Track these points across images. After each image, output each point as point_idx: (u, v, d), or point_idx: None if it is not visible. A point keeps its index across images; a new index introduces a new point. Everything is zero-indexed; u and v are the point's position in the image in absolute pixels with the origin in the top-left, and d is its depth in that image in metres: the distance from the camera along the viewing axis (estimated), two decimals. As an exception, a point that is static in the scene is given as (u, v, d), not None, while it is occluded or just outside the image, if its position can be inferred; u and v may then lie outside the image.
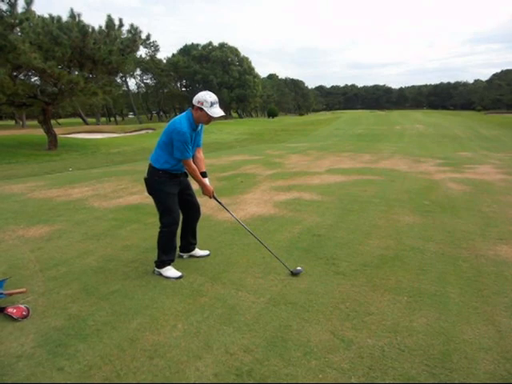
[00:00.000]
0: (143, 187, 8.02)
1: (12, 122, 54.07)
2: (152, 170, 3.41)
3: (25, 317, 2.75)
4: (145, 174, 3.49)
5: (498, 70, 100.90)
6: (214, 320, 2.71)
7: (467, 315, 2.75)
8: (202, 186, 3.51)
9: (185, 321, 2.70)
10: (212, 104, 3.21)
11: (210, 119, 3.29)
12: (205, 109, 3.21)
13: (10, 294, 3.00)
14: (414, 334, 2.51)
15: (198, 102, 3.22)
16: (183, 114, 3.35)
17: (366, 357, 2.29)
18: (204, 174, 3.53)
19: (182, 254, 3.89)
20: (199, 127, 3.44)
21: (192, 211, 3.72)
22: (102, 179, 8.88)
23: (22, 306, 2.82)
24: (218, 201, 3.67)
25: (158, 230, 3.48)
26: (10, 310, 2.78)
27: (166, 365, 2.23)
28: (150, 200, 6.34)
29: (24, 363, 2.27)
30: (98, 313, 2.82)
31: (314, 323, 2.66)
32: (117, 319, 2.73)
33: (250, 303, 2.95)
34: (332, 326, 2.63)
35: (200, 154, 3.61)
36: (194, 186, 3.66)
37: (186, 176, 3.60)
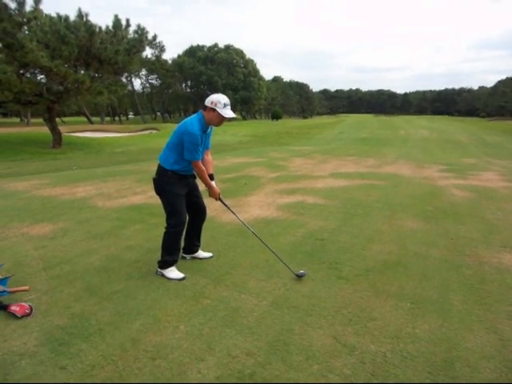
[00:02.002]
0: (147, 187, 8.03)
1: (17, 120, 54.31)
2: (161, 171, 3.43)
3: (27, 315, 2.76)
4: (153, 175, 3.50)
5: (503, 77, 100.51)
6: (216, 322, 2.71)
7: (470, 323, 2.74)
8: (209, 187, 3.53)
9: (187, 322, 2.71)
10: (225, 105, 3.26)
11: (221, 120, 3.32)
12: (218, 109, 3.24)
13: (13, 292, 3.01)
14: (417, 341, 2.50)
15: (212, 102, 3.25)
16: (194, 115, 3.37)
17: (368, 363, 2.29)
18: (211, 177, 3.55)
19: (184, 255, 3.89)
20: (209, 129, 3.45)
21: (198, 213, 3.73)
22: (105, 178, 8.91)
23: (25, 304, 2.82)
24: (223, 203, 3.67)
25: (164, 230, 3.49)
26: (13, 307, 2.79)
27: (168, 366, 2.24)
28: (153, 200, 6.38)
29: (27, 361, 2.27)
30: (100, 312, 2.83)
31: (316, 327, 2.66)
32: (119, 319, 2.74)
33: (252, 306, 2.95)
34: (334, 330, 2.63)
35: (208, 156, 3.62)
36: (201, 186, 3.67)
37: (194, 177, 3.60)
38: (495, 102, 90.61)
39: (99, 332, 2.57)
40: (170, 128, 33.70)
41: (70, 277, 3.45)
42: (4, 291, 2.97)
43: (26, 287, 3.09)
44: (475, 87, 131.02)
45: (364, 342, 2.49)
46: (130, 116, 79.99)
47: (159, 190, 3.47)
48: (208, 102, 3.27)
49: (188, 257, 3.89)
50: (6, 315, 2.76)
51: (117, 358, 2.31)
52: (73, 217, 5.49)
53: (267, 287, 3.27)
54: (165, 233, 3.49)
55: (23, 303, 2.84)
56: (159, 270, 3.51)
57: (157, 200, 5.93)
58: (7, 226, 5.01)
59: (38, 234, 4.70)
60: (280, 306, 2.95)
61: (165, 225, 3.49)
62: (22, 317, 2.73)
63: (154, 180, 3.48)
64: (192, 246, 3.87)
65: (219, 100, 3.24)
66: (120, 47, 17.63)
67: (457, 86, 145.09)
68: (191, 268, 3.66)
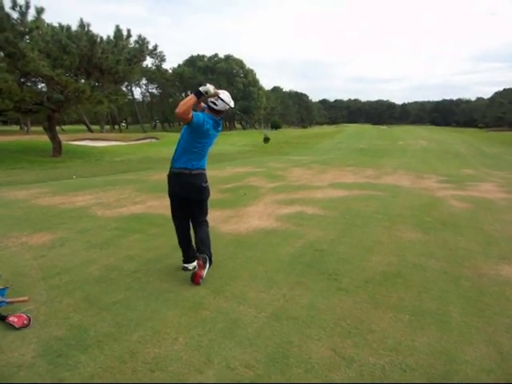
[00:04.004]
0: (147, 197, 8.01)
1: (17, 128, 54.41)
2: (203, 176, 3.66)
3: (26, 326, 2.75)
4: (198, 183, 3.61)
5: (501, 89, 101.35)
6: (215, 334, 2.71)
7: (469, 335, 2.74)
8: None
9: (186, 334, 2.70)
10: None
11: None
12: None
13: (12, 303, 3.00)
14: (416, 354, 2.50)
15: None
16: None
17: (367, 375, 2.29)
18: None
19: (187, 265, 3.84)
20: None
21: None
22: (105, 187, 8.92)
23: (24, 315, 2.82)
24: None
25: (204, 226, 3.81)
26: (11, 318, 2.78)
27: (166, 378, 2.23)
28: (152, 210, 6.40)
29: (24, 373, 2.26)
30: (99, 323, 2.82)
31: (315, 340, 2.66)
32: (118, 330, 2.73)
33: (251, 317, 2.95)
34: (333, 343, 2.62)
35: None
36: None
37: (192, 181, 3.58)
38: (493, 112, 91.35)
39: (98, 343, 2.57)
40: (170, 137, 33.80)
41: (69, 287, 3.44)
42: (2, 302, 2.96)
43: (25, 298, 3.08)
44: (473, 98, 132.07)
45: (363, 355, 2.48)
46: (123, 124, 78.46)
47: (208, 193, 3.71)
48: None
49: (190, 266, 3.82)
50: (5, 326, 2.75)
51: (115, 370, 2.30)
52: (72, 226, 5.49)
53: (266, 298, 3.27)
54: (207, 227, 3.79)
55: (22, 314, 2.83)
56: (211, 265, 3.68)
57: (156, 210, 5.93)
58: (6, 236, 5.00)
59: (38, 244, 4.69)
60: (279, 318, 2.94)
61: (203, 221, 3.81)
62: (21, 328, 2.72)
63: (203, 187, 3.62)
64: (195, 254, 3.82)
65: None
66: (121, 57, 17.76)
67: (454, 97, 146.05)
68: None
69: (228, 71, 69.47)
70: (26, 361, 2.38)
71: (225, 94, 3.55)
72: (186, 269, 3.81)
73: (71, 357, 2.42)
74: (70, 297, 3.25)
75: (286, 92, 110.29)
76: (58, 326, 2.78)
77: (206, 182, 3.65)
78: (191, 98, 3.32)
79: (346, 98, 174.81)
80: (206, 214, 3.81)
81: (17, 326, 2.72)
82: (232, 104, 3.59)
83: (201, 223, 3.76)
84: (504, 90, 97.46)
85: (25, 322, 2.76)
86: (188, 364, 2.36)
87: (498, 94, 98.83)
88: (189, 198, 3.64)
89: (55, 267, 3.91)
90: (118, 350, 2.50)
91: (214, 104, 3.53)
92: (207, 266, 3.56)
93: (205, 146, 3.58)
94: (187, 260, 3.85)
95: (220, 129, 3.69)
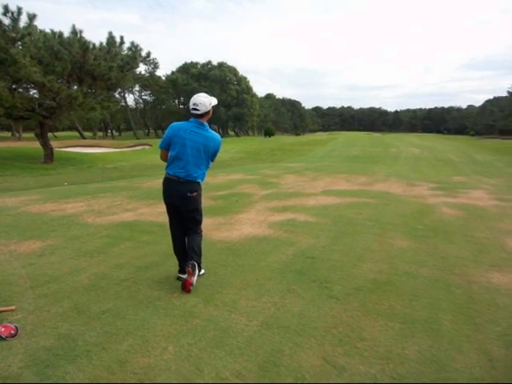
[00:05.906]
0: (138, 204, 7.94)
1: (8, 134, 53.98)
2: (196, 185, 3.66)
3: (13, 336, 2.70)
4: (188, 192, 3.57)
5: (491, 97, 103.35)
6: (205, 343, 2.68)
7: (459, 343, 2.75)
8: None
9: (176, 343, 2.67)
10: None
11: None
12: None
13: (-1, 312, 2.96)
14: (406, 362, 2.50)
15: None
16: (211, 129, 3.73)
17: (358, 384, 2.27)
18: None
19: (183, 276, 3.69)
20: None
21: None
22: (97, 195, 8.85)
23: (11, 325, 2.77)
24: None
25: (197, 235, 3.81)
26: (-2, 328, 2.73)
27: (155, 389, 2.20)
28: (144, 217, 6.35)
29: (10, 384, 2.22)
30: (88, 333, 2.78)
31: (306, 348, 2.64)
32: (107, 340, 2.69)
33: (242, 326, 2.93)
34: (324, 351, 2.61)
35: None
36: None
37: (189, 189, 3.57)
38: (484, 120, 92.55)
39: (86, 353, 2.53)
40: (163, 144, 33.65)
41: (58, 296, 3.40)
42: (-11, 311, 2.92)
43: (13, 307, 3.03)
44: (464, 106, 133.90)
45: (354, 363, 2.47)
46: (113, 131, 77.46)
47: (196, 204, 3.65)
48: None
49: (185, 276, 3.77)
50: (-9, 336, 2.70)
51: (104, 380, 2.26)
52: (62, 234, 5.44)
53: (257, 306, 3.26)
54: (199, 237, 3.78)
55: (9, 323, 2.79)
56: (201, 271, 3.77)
57: (148, 217, 5.92)
58: (-5, 243, 4.93)
59: (27, 252, 4.63)
60: (270, 326, 2.93)
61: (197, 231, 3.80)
62: (7, 338, 2.67)
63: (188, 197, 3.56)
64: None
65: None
66: (114, 64, 17.75)
67: (446, 105, 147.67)
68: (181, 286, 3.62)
69: (221, 78, 69.69)
70: (12, 372, 2.33)
71: (198, 95, 3.64)
72: (180, 279, 3.72)
73: (59, 367, 2.38)
74: (58, 306, 3.20)
75: (279, 99, 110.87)
76: (45, 336, 2.73)
77: (194, 192, 3.56)
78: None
79: (338, 106, 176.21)
80: (197, 223, 3.76)
81: (3, 336, 2.67)
82: (214, 101, 3.64)
83: (194, 232, 3.74)
84: (494, 98, 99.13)
85: (12, 331, 2.72)
86: (177, 374, 2.33)
87: (488, 101, 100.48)
88: (177, 205, 3.63)
89: (44, 275, 3.86)
90: (107, 359, 2.46)
91: (195, 110, 3.52)
92: (196, 272, 3.53)
93: (187, 151, 3.49)
94: (183, 270, 3.73)
95: (205, 132, 3.59)
